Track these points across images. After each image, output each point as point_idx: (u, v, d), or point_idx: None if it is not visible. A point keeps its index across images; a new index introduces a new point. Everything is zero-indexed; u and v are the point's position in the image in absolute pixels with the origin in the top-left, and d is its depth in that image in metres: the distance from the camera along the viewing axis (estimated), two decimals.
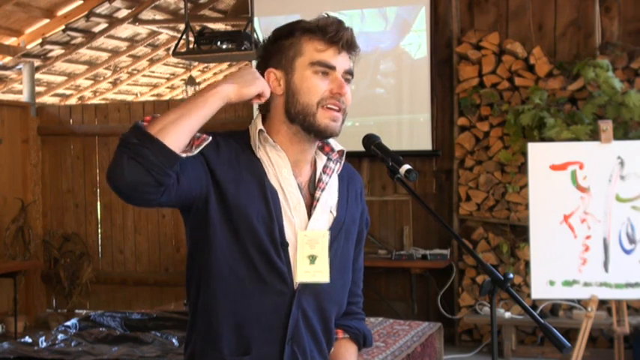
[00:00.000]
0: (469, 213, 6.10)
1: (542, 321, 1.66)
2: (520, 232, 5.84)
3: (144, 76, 11.21)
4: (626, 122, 5.37)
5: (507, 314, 5.69)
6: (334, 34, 1.74)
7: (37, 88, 8.54)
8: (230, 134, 1.78)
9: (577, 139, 5.18)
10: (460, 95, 6.11)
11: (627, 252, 4.34)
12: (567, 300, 5.50)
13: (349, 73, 1.77)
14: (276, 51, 1.76)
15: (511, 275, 1.70)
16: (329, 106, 1.73)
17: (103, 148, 7.46)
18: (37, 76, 8.38)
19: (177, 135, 1.57)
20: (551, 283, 4.36)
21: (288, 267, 1.73)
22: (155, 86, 12.01)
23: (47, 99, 10.06)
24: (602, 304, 5.25)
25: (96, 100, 10.94)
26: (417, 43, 6.31)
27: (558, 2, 5.99)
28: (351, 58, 1.78)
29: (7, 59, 7.88)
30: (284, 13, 6.68)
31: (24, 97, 7.71)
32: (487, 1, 6.17)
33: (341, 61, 1.75)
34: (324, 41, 1.74)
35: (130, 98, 11.47)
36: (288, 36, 1.76)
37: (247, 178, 1.71)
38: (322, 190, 1.79)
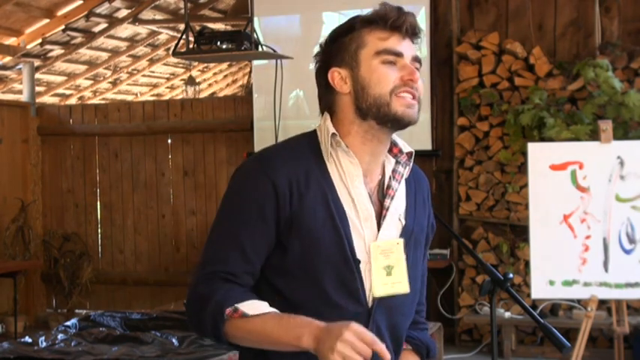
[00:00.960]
0: (469, 213, 6.10)
1: (542, 321, 1.66)
2: (520, 232, 5.84)
3: (144, 76, 11.21)
4: (625, 122, 5.37)
5: (507, 314, 5.69)
6: (396, 18, 1.64)
7: (37, 88, 8.54)
8: (297, 144, 1.68)
9: (577, 139, 5.18)
10: (460, 95, 6.11)
11: (627, 252, 4.34)
12: (567, 300, 5.50)
13: (417, 61, 1.68)
14: (337, 50, 1.68)
15: (511, 275, 1.70)
16: (402, 94, 1.64)
17: (103, 148, 7.46)
18: (37, 76, 8.38)
19: (246, 345, 1.60)
20: (551, 282, 4.36)
21: (362, 285, 1.64)
22: (155, 86, 12.01)
23: (47, 99, 10.06)
24: (602, 303, 5.25)
25: (96, 100, 10.94)
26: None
27: (558, 2, 6.00)
28: (415, 44, 1.69)
29: (7, 59, 7.88)
30: (284, 13, 6.69)
31: (24, 97, 7.71)
32: (487, 1, 6.17)
33: (406, 47, 1.66)
34: (386, 29, 1.64)
35: (130, 98, 11.47)
36: (348, 32, 1.68)
37: (316, 199, 1.61)
38: (392, 198, 1.70)
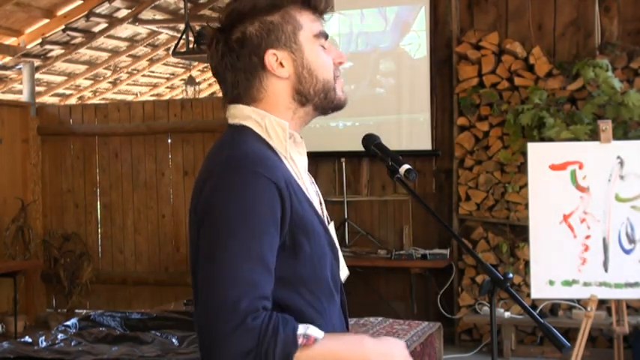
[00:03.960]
0: (469, 213, 6.10)
1: (541, 321, 1.66)
2: (520, 232, 5.84)
3: (144, 76, 11.22)
4: (625, 122, 5.38)
5: (507, 314, 5.69)
6: (325, 3, 1.57)
7: (37, 88, 8.55)
8: (257, 144, 1.50)
9: (576, 139, 5.18)
10: (460, 95, 6.12)
11: (627, 252, 4.34)
12: (567, 300, 5.50)
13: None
14: (266, 30, 1.51)
15: (511, 275, 1.70)
16: (338, 76, 1.59)
17: (103, 147, 7.47)
18: (37, 76, 8.38)
19: None
20: (551, 282, 4.36)
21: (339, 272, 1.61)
22: (155, 86, 12.02)
23: (47, 99, 10.07)
24: (602, 303, 5.25)
25: (96, 100, 10.94)
26: (417, 43, 6.32)
27: (558, 2, 6.00)
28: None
29: (7, 59, 7.88)
30: None
31: (24, 97, 7.71)
32: (487, 1, 6.17)
33: (327, 28, 1.60)
34: (313, 12, 1.56)
35: (130, 98, 11.47)
36: (272, 11, 1.52)
37: (300, 195, 1.50)
38: (314, 183, 1.66)
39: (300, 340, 1.37)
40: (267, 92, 1.53)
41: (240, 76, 1.53)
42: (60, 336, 3.90)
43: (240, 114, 1.54)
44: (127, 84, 11.26)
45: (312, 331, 1.40)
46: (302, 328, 1.39)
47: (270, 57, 1.51)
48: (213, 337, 1.35)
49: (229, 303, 1.35)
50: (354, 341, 1.47)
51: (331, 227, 1.61)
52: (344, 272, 1.64)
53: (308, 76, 1.54)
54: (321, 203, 1.63)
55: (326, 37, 1.58)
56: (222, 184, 1.42)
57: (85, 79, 10.06)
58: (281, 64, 1.52)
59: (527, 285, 5.33)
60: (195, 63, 10.02)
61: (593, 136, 5.04)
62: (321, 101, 1.57)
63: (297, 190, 1.48)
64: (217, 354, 1.36)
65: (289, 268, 1.46)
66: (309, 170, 1.65)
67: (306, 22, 1.54)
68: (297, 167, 1.55)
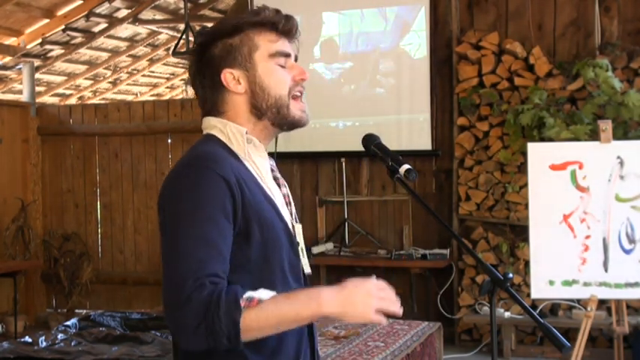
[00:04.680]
0: (469, 213, 6.10)
1: (541, 321, 1.66)
2: (520, 232, 5.84)
3: (144, 76, 11.22)
4: (625, 122, 5.38)
5: (507, 314, 5.69)
6: (284, 23, 1.71)
7: (37, 88, 8.55)
8: (215, 148, 1.68)
9: (576, 138, 5.18)
10: (460, 95, 6.12)
11: (627, 252, 4.34)
12: (567, 300, 5.50)
13: (296, 60, 1.77)
14: (227, 51, 1.70)
15: (511, 275, 1.70)
16: (296, 94, 1.71)
17: (103, 147, 7.47)
18: (37, 76, 8.38)
19: (259, 336, 1.54)
20: (551, 282, 4.36)
21: (300, 267, 1.74)
22: (155, 86, 12.02)
23: (47, 99, 10.07)
24: (602, 303, 5.25)
25: (96, 100, 10.95)
26: (417, 43, 6.32)
27: (558, 2, 6.00)
28: (295, 45, 1.77)
29: (7, 59, 7.88)
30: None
31: (24, 97, 7.71)
32: (487, 1, 6.18)
33: (292, 48, 1.75)
34: (275, 32, 1.72)
35: (130, 98, 11.47)
36: (233, 34, 1.70)
37: (256, 193, 1.65)
38: (285, 186, 1.80)
39: (242, 304, 1.48)
40: (229, 106, 1.72)
41: (208, 92, 1.74)
42: (60, 336, 3.90)
43: (209, 124, 1.75)
44: (127, 84, 11.26)
45: (257, 293, 1.52)
46: (247, 293, 1.51)
47: (227, 75, 1.70)
48: (168, 313, 1.51)
49: (178, 281, 1.51)
50: (307, 297, 1.55)
51: (298, 227, 1.76)
52: (307, 268, 1.77)
53: (260, 92, 1.70)
54: (289, 204, 1.78)
55: (286, 55, 1.72)
56: (178, 179, 1.62)
57: (85, 79, 10.06)
58: (238, 81, 1.70)
59: (527, 285, 5.33)
60: None
61: (593, 136, 5.04)
62: (274, 116, 1.71)
63: (253, 187, 1.64)
64: (174, 329, 1.52)
65: (242, 253, 1.60)
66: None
67: (263, 42, 1.70)
68: (259, 168, 1.71)
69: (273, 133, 1.75)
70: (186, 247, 1.54)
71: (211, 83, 1.72)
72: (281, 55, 1.71)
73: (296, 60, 1.76)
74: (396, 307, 1.57)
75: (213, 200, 1.57)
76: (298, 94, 1.72)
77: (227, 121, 1.71)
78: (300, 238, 1.76)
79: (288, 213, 1.75)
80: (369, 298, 1.53)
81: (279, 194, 1.75)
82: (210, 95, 1.74)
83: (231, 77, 1.70)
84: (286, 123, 1.72)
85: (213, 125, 1.74)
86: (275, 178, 1.78)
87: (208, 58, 1.71)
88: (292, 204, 1.80)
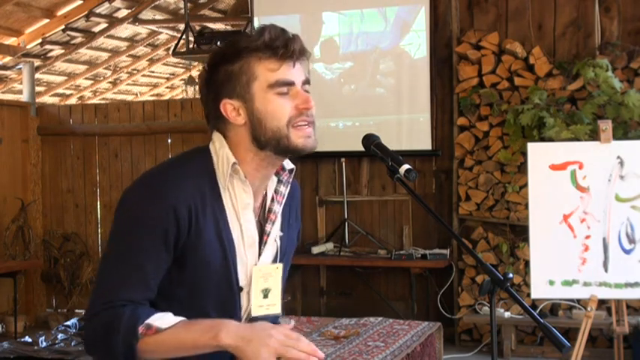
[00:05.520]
0: (469, 213, 6.10)
1: (541, 321, 1.66)
2: (520, 232, 5.84)
3: (144, 75, 11.22)
4: (625, 122, 5.38)
5: (507, 314, 5.69)
6: (284, 49, 1.61)
7: (37, 88, 8.55)
8: (192, 165, 1.65)
9: (576, 138, 5.18)
10: (460, 95, 6.12)
11: (627, 252, 4.34)
12: (567, 300, 5.50)
13: (307, 83, 1.67)
14: (225, 79, 1.64)
15: (511, 275, 1.70)
16: (299, 124, 1.64)
17: (103, 147, 7.47)
18: (37, 76, 8.39)
19: (159, 357, 1.57)
20: (551, 282, 4.36)
21: (239, 308, 1.69)
22: (155, 86, 12.02)
23: (47, 99, 10.07)
24: (602, 303, 5.25)
25: (96, 100, 10.94)
26: (417, 43, 6.32)
27: (558, 2, 6.00)
28: (303, 65, 1.67)
29: (7, 59, 7.88)
30: (284, 13, 6.69)
31: (24, 97, 7.71)
32: (487, 1, 6.17)
33: (297, 73, 1.65)
34: (276, 59, 1.62)
35: (130, 98, 11.47)
36: (234, 60, 1.63)
37: (210, 227, 1.61)
38: (273, 222, 1.73)
39: (140, 330, 1.52)
40: (232, 133, 1.67)
41: (212, 115, 1.69)
42: (60, 336, 3.90)
43: (213, 137, 1.70)
44: (127, 84, 11.26)
45: (157, 321, 1.53)
46: (150, 319, 1.53)
47: (228, 106, 1.64)
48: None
49: (94, 297, 1.57)
50: (208, 327, 1.54)
51: (268, 267, 1.70)
52: (257, 311, 1.70)
53: (258, 125, 1.63)
54: (263, 243, 1.70)
55: (288, 84, 1.63)
56: (131, 194, 1.62)
57: (85, 79, 10.06)
58: (238, 112, 1.64)
59: (527, 285, 5.33)
60: (195, 63, 10.01)
61: (593, 136, 5.04)
62: (274, 147, 1.64)
63: (210, 220, 1.60)
64: (84, 336, 1.60)
65: (170, 284, 1.61)
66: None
67: (262, 72, 1.62)
68: (237, 201, 1.65)
69: (278, 160, 1.69)
70: (112, 268, 1.58)
71: (215, 110, 1.67)
72: (282, 85, 1.62)
73: (307, 83, 1.67)
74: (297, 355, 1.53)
75: (154, 227, 1.55)
76: (302, 124, 1.64)
77: (223, 146, 1.67)
78: (257, 281, 1.69)
79: (254, 253, 1.69)
80: (270, 341, 1.52)
81: (252, 232, 1.68)
82: (214, 119, 1.69)
83: (231, 108, 1.64)
84: (289, 152, 1.66)
85: (214, 141, 1.70)
86: (269, 211, 1.72)
87: (209, 82, 1.67)
88: (277, 241, 1.74)
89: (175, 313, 1.59)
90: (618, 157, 4.40)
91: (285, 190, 1.75)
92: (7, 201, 7.17)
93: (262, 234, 1.71)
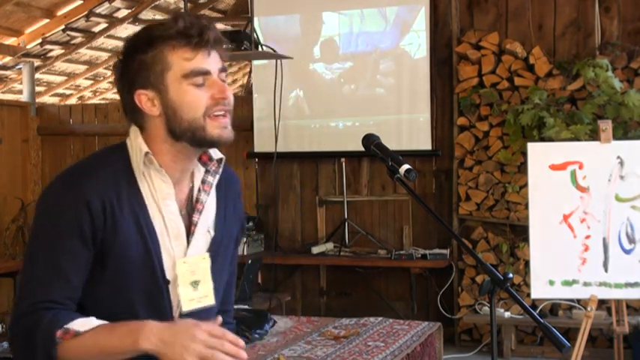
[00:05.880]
0: (469, 213, 6.10)
1: (541, 321, 1.66)
2: (520, 232, 5.84)
3: None
4: (625, 122, 5.38)
5: (507, 314, 5.69)
6: (199, 38, 1.57)
7: (37, 88, 8.54)
8: (106, 161, 1.62)
9: (576, 138, 5.18)
10: (460, 95, 6.12)
11: (627, 252, 4.34)
12: (567, 300, 5.50)
13: (224, 71, 1.63)
14: (139, 69, 1.58)
15: (511, 275, 1.70)
16: (216, 113, 1.59)
17: None
18: (37, 76, 8.38)
19: None
20: (551, 282, 4.36)
21: (170, 303, 1.64)
22: None
23: (47, 99, 10.06)
24: (602, 303, 5.25)
25: (96, 100, 10.94)
26: (417, 43, 6.32)
27: (558, 2, 6.00)
28: (220, 53, 1.63)
29: (7, 59, 7.88)
30: (284, 13, 6.69)
31: (24, 97, 7.71)
32: (487, 1, 6.17)
33: (213, 61, 1.60)
34: (190, 47, 1.57)
35: None
36: (147, 49, 1.58)
37: (129, 221, 1.58)
38: (200, 212, 1.68)
39: (58, 335, 1.49)
40: (148, 125, 1.62)
41: (128, 106, 1.63)
42: None
43: (130, 129, 1.65)
44: None
45: (77, 325, 1.51)
46: (70, 323, 1.51)
47: (142, 97, 1.59)
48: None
49: (17, 301, 1.55)
50: (128, 331, 1.50)
51: (196, 260, 1.66)
52: (188, 305, 1.65)
53: (173, 116, 1.59)
54: (190, 234, 1.66)
55: (203, 73, 1.58)
56: (47, 194, 1.60)
57: (85, 79, 10.05)
58: (152, 102, 1.59)
59: (527, 285, 5.33)
60: None
61: (593, 136, 5.04)
62: (190, 139, 1.60)
63: (129, 212, 1.57)
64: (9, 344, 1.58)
65: (93, 282, 1.58)
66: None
67: (177, 61, 1.57)
68: (157, 192, 1.62)
69: (194, 152, 1.64)
70: (32, 267, 1.55)
71: (130, 100, 1.62)
72: (197, 75, 1.58)
73: (224, 71, 1.63)
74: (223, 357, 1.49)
75: (68, 222, 1.53)
76: (219, 113, 1.60)
77: (137, 137, 1.62)
78: (183, 273, 1.64)
79: (182, 245, 1.64)
80: (192, 343, 1.48)
81: (177, 223, 1.64)
82: (130, 111, 1.63)
83: (145, 99, 1.60)
84: (204, 143, 1.62)
85: (130, 134, 1.65)
86: (196, 201, 1.68)
87: (125, 73, 1.61)
88: (211, 231, 1.70)
89: (103, 312, 1.57)
90: (618, 157, 4.40)
91: (213, 180, 1.70)
92: (7, 201, 7.17)
93: (190, 224, 1.67)
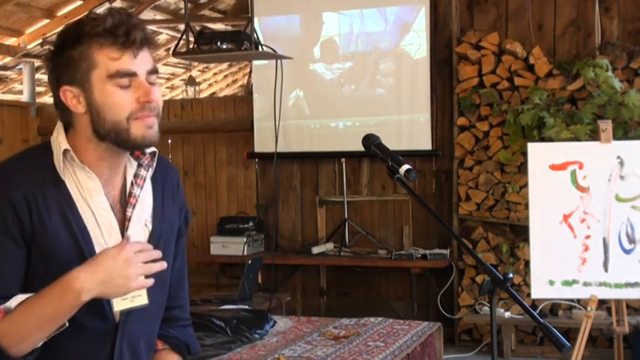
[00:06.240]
0: (469, 213, 6.10)
1: (542, 321, 1.66)
2: (520, 232, 5.84)
3: None
4: (625, 122, 5.38)
5: (507, 314, 5.69)
6: (125, 37, 1.52)
7: (37, 88, 8.54)
8: (30, 159, 1.60)
9: (577, 138, 5.18)
10: (460, 95, 6.12)
11: (627, 252, 4.34)
12: (567, 300, 5.50)
13: (153, 72, 1.58)
14: (66, 64, 1.55)
15: (511, 275, 1.71)
16: (140, 115, 1.56)
17: None
18: (37, 76, 8.38)
19: (27, 340, 1.49)
20: (551, 282, 4.36)
21: (108, 302, 1.58)
22: None
23: (47, 99, 10.05)
24: (602, 303, 5.25)
25: None
26: (417, 43, 6.32)
27: (558, 2, 6.00)
28: (150, 53, 1.59)
29: (7, 59, 7.88)
30: (284, 13, 6.70)
31: (24, 97, 7.71)
32: (487, 1, 6.18)
33: (141, 62, 1.56)
34: (117, 47, 1.53)
35: None
36: (75, 45, 1.54)
37: (56, 219, 1.54)
38: (134, 206, 1.64)
39: None
40: (74, 122, 1.60)
41: (56, 103, 1.61)
42: None
43: (56, 126, 1.63)
44: None
45: (8, 302, 1.48)
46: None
47: (67, 93, 1.56)
48: None
49: None
50: (60, 291, 1.47)
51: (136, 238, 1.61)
52: (120, 305, 1.60)
53: (97, 116, 1.56)
54: (125, 229, 1.63)
55: (129, 75, 1.55)
56: None
57: None
58: (78, 99, 1.56)
59: (527, 285, 5.33)
60: (196, 63, 10.02)
61: (593, 136, 5.04)
62: (114, 140, 1.57)
63: (55, 210, 1.54)
64: None
65: (27, 282, 1.53)
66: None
67: (103, 60, 1.54)
68: (84, 189, 1.59)
69: (120, 151, 1.61)
70: None
71: (55, 96, 1.60)
72: (122, 76, 1.54)
73: (154, 73, 1.58)
74: (159, 265, 1.53)
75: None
76: (144, 115, 1.56)
77: (59, 134, 1.61)
78: None
79: (116, 240, 1.60)
80: (128, 269, 1.48)
81: (109, 218, 1.61)
82: (60, 107, 1.61)
83: (70, 95, 1.56)
84: (128, 146, 1.58)
85: (54, 131, 1.63)
86: (130, 195, 1.65)
87: (54, 67, 1.58)
88: (148, 224, 1.67)
89: None
90: (618, 157, 4.39)
91: (147, 173, 1.67)
92: None
93: (124, 219, 1.64)
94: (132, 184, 1.66)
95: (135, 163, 1.68)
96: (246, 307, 4.63)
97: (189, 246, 7.19)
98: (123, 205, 1.65)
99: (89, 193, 1.59)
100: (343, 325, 4.12)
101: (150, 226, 1.67)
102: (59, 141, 1.59)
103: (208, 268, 6.86)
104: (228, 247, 6.45)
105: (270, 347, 3.69)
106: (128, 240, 1.53)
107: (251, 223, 6.53)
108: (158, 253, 1.54)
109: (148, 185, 1.69)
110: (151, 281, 1.55)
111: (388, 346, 3.67)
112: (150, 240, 1.65)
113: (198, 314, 4.20)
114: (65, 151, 1.58)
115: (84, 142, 1.59)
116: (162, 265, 1.57)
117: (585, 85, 5.60)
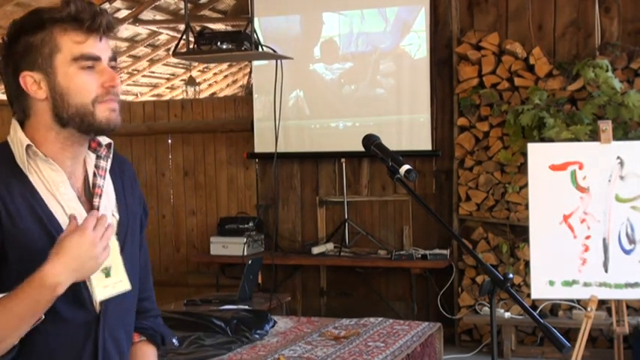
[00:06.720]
0: (469, 213, 6.11)
1: (542, 321, 1.66)
2: (520, 232, 5.84)
3: (144, 76, 11.21)
4: (625, 122, 5.38)
5: (507, 314, 5.69)
6: (91, 22, 1.54)
7: None
8: None
9: (577, 139, 5.18)
10: (460, 95, 6.12)
11: (627, 252, 4.34)
12: (567, 300, 5.50)
13: (114, 60, 1.61)
14: (26, 50, 1.54)
15: (511, 275, 1.70)
16: (105, 99, 1.57)
17: None
18: None
19: (9, 346, 1.48)
20: (551, 283, 4.36)
21: (88, 292, 1.58)
22: (155, 86, 12.02)
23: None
24: (602, 304, 5.25)
25: None
26: (417, 44, 6.32)
27: (558, 2, 6.00)
28: (110, 41, 1.62)
29: None
30: (284, 13, 6.70)
31: None
32: (487, 2, 6.18)
33: (104, 48, 1.59)
34: (82, 31, 1.55)
35: (130, 98, 11.47)
36: (36, 30, 1.54)
37: (25, 214, 1.53)
38: (100, 196, 1.64)
39: None
40: (32, 111, 1.58)
41: (13, 93, 1.59)
42: None
43: (11, 126, 1.60)
44: (128, 84, 11.26)
45: None
46: None
47: (28, 79, 1.55)
48: None
49: None
50: (37, 287, 1.45)
51: (112, 242, 1.60)
52: (103, 293, 1.60)
53: (60, 101, 1.55)
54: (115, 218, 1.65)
55: (94, 59, 1.56)
56: None
57: None
58: (39, 85, 1.55)
59: (527, 285, 5.33)
60: (196, 63, 10.02)
61: (593, 136, 5.04)
62: (78, 125, 1.57)
63: (23, 205, 1.53)
64: None
65: (3, 276, 1.51)
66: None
67: (67, 44, 1.54)
68: (49, 183, 1.58)
69: (83, 138, 1.61)
70: None
71: (15, 85, 1.57)
72: (88, 59, 1.55)
73: (114, 60, 1.61)
74: (111, 229, 1.54)
75: None
76: (109, 99, 1.58)
77: (17, 131, 1.58)
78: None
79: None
80: (93, 249, 1.49)
81: (78, 210, 1.60)
82: (15, 97, 1.59)
83: (31, 81, 1.55)
84: (92, 129, 1.59)
85: (10, 130, 1.60)
86: (94, 186, 1.65)
87: (10, 56, 1.57)
88: (115, 215, 1.68)
89: None
90: (618, 158, 4.39)
91: (106, 164, 1.68)
92: None
93: (92, 210, 1.63)
94: (94, 174, 1.66)
95: (93, 156, 1.68)
96: (247, 307, 4.63)
97: (189, 246, 7.20)
98: (87, 196, 1.65)
99: (55, 186, 1.58)
100: (343, 325, 4.12)
101: (117, 216, 1.69)
102: (19, 137, 1.57)
103: (208, 269, 6.87)
104: (228, 247, 6.45)
105: (270, 347, 3.69)
106: (75, 219, 1.53)
107: (251, 224, 6.53)
108: (106, 217, 1.54)
109: (107, 177, 1.69)
110: (113, 241, 1.57)
111: (388, 347, 3.67)
112: (119, 229, 1.66)
113: (198, 314, 4.20)
114: (28, 147, 1.56)
115: (43, 132, 1.58)
116: (113, 226, 1.59)
117: (585, 85, 5.60)
